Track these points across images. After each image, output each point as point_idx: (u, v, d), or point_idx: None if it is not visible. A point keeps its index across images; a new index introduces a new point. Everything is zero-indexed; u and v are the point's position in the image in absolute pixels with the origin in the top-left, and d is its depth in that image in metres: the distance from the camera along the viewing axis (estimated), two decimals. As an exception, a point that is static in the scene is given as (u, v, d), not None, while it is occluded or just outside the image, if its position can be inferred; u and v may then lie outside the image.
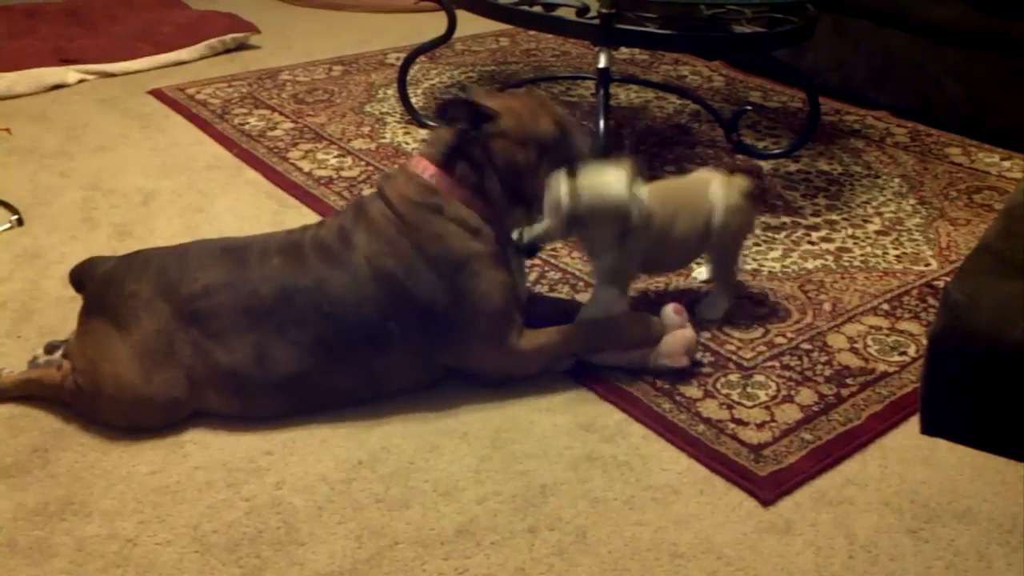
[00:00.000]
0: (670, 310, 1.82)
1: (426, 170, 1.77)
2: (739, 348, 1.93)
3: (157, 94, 3.28)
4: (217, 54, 3.73)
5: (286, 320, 1.69)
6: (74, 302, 1.94)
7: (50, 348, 1.83)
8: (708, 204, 1.90)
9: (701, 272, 2.13)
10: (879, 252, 2.31)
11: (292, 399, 1.71)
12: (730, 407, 1.76)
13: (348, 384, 1.73)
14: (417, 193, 1.75)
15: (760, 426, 1.71)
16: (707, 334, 1.96)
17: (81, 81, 3.40)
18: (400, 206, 1.74)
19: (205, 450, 1.66)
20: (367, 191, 2.57)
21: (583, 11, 2.54)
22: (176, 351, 1.67)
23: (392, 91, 3.28)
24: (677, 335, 1.81)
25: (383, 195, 1.78)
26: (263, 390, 1.69)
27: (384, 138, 2.93)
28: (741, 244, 2.04)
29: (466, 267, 1.73)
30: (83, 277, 1.81)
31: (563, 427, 1.72)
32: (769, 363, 1.88)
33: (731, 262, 2.03)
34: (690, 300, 2.03)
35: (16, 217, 2.41)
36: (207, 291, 1.69)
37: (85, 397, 1.68)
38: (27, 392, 1.75)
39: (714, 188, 1.91)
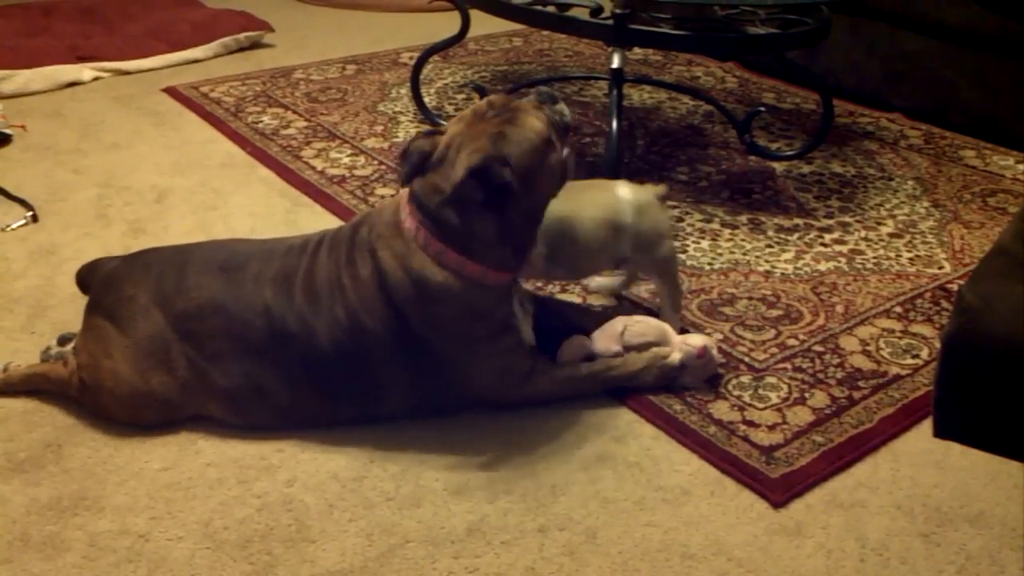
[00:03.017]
0: (694, 355, 1.78)
1: (428, 245, 1.59)
2: (751, 350, 1.92)
3: (171, 92, 3.29)
4: (231, 52, 3.74)
5: (279, 359, 1.66)
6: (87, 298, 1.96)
7: (63, 340, 1.84)
8: (614, 200, 1.82)
9: (593, 280, 2.04)
10: (892, 255, 2.31)
11: (291, 422, 1.70)
12: (741, 409, 1.76)
13: (343, 414, 1.71)
14: (418, 270, 1.59)
15: (771, 428, 1.71)
16: (719, 335, 1.96)
17: (96, 79, 3.41)
18: (389, 266, 1.61)
19: (217, 447, 1.66)
20: (380, 190, 2.58)
21: (597, 11, 2.54)
22: (172, 359, 1.67)
23: (405, 90, 3.29)
24: (698, 369, 1.80)
25: (375, 254, 1.62)
26: (261, 412, 1.69)
27: (397, 137, 2.94)
28: (667, 253, 1.89)
29: (465, 347, 1.65)
30: (87, 278, 1.82)
31: (573, 427, 1.72)
32: (781, 365, 1.88)
33: (667, 275, 1.91)
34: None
35: (31, 213, 2.42)
36: (201, 311, 1.67)
37: (88, 391, 1.69)
38: (35, 386, 1.77)
39: (621, 188, 1.85)
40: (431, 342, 1.64)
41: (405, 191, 1.66)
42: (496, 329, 1.67)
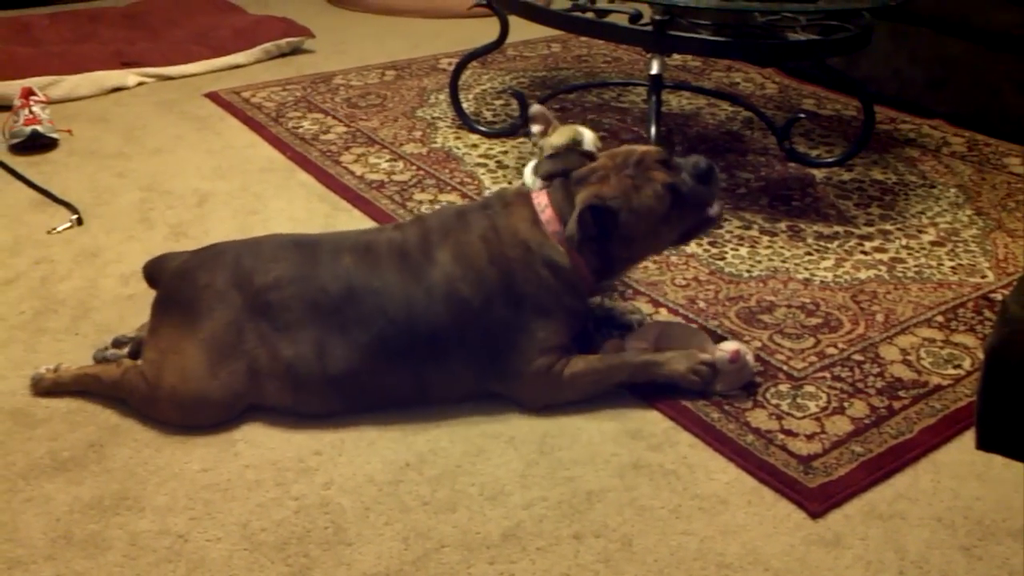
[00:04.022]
0: (726, 360, 1.77)
1: (546, 212, 1.78)
2: (789, 358, 1.91)
3: (213, 97, 3.33)
4: (272, 58, 3.78)
5: (350, 319, 1.71)
6: (130, 300, 1.99)
7: (118, 343, 1.87)
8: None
9: None
10: (934, 263, 2.28)
11: (344, 397, 1.73)
12: (780, 418, 1.74)
13: (399, 388, 1.75)
14: (529, 232, 1.76)
15: (810, 437, 1.69)
16: (757, 343, 1.94)
17: (140, 84, 3.47)
18: (507, 235, 1.76)
19: (255, 449, 1.68)
20: (419, 195, 2.59)
21: (636, 17, 2.54)
22: (244, 342, 1.70)
23: (444, 96, 3.30)
24: (732, 374, 1.79)
25: (493, 217, 1.79)
26: (318, 385, 1.71)
27: (435, 143, 2.95)
28: None
29: (544, 314, 1.75)
30: (156, 273, 1.83)
31: (610, 434, 1.72)
32: (820, 374, 1.86)
33: None
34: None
35: (76, 216, 2.46)
36: (278, 283, 1.72)
37: (144, 389, 1.70)
38: (85, 387, 1.79)
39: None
40: (525, 297, 1.74)
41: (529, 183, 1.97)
42: (561, 309, 1.77)
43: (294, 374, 1.70)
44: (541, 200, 1.80)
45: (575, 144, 2.12)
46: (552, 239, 1.77)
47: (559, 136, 2.16)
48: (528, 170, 2.15)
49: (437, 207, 2.51)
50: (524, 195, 1.83)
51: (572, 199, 1.77)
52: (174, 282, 1.77)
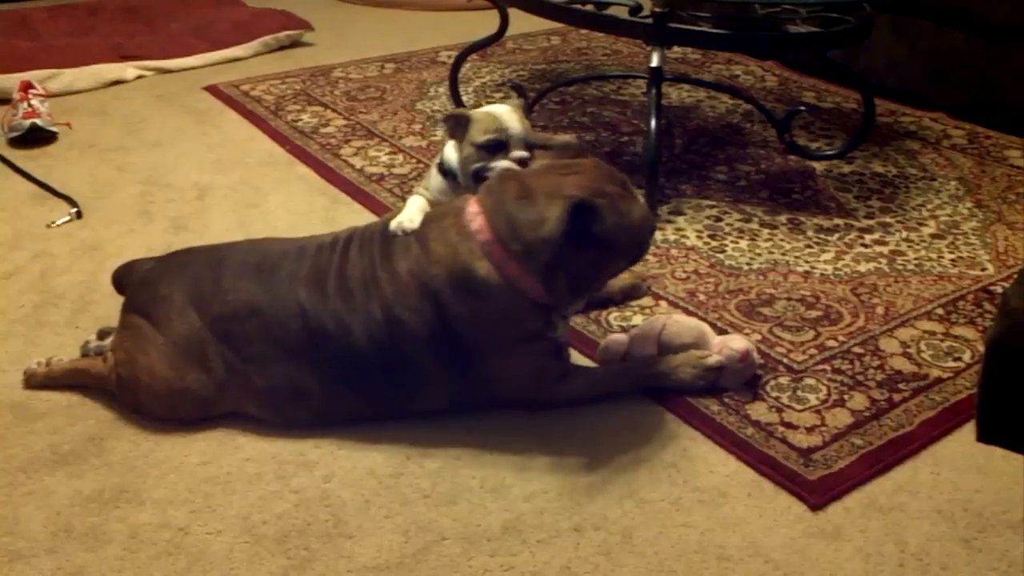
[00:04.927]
0: (736, 359, 1.76)
1: (481, 232, 1.62)
2: (789, 351, 1.91)
3: (212, 90, 3.33)
4: (271, 51, 3.78)
5: (315, 359, 1.67)
6: (130, 294, 1.98)
7: (102, 335, 1.87)
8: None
9: None
10: (934, 256, 2.28)
11: (329, 415, 1.71)
12: (780, 410, 1.74)
13: (385, 407, 1.72)
14: (454, 247, 1.63)
15: (810, 430, 1.69)
16: (757, 336, 1.94)
17: (139, 77, 3.46)
18: (433, 255, 1.64)
19: (256, 442, 1.68)
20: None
21: (636, 10, 2.53)
22: (208, 359, 1.68)
23: (444, 89, 3.30)
24: (739, 372, 1.78)
25: (422, 235, 1.67)
26: (299, 408, 1.70)
27: (435, 136, 2.95)
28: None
29: (496, 345, 1.66)
30: (123, 279, 1.84)
31: (610, 427, 1.72)
32: (820, 366, 1.86)
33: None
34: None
35: (76, 210, 2.46)
36: (237, 314, 1.68)
37: (125, 387, 1.71)
38: (76, 380, 1.79)
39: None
40: (465, 335, 1.65)
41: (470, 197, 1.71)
42: (527, 335, 1.67)
43: (273, 400, 1.69)
44: (472, 208, 1.65)
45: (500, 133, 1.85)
46: (480, 252, 1.61)
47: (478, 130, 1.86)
48: (433, 170, 1.95)
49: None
50: (457, 206, 1.69)
51: (514, 199, 1.60)
52: (138, 290, 1.77)
